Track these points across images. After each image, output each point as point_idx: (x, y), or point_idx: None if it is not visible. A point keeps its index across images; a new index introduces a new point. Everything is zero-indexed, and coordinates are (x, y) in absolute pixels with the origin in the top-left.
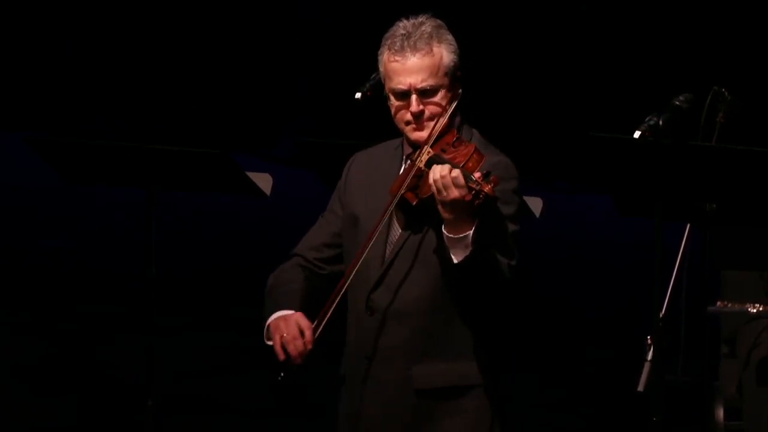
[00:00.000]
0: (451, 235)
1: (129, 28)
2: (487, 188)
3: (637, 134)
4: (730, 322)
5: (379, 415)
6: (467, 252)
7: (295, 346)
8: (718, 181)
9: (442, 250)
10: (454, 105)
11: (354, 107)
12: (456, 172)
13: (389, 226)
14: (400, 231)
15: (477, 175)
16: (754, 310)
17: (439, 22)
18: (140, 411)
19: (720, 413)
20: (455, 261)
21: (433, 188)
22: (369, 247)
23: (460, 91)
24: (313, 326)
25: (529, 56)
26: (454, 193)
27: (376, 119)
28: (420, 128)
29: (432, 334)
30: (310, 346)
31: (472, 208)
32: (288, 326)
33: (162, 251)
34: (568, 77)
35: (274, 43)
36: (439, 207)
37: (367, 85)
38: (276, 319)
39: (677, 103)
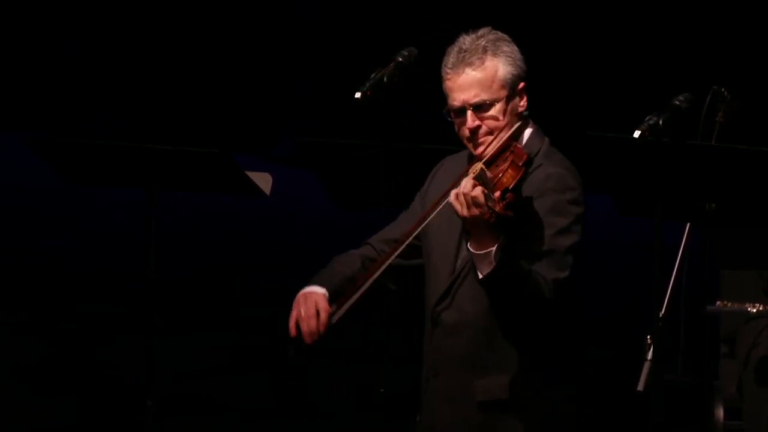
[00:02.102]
0: (475, 251)
1: (129, 28)
2: (498, 207)
3: (636, 134)
4: (729, 321)
5: (445, 426)
6: (491, 268)
7: (308, 326)
8: (717, 180)
9: None
10: (512, 120)
11: (354, 107)
12: (476, 191)
13: (460, 239)
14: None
15: (497, 193)
16: (754, 310)
17: (499, 35)
18: (140, 411)
19: (719, 413)
20: (480, 276)
21: (455, 205)
22: (440, 259)
23: (525, 102)
24: (331, 311)
25: (528, 55)
26: (473, 210)
27: (376, 119)
28: (478, 144)
29: (491, 348)
30: (322, 329)
31: (490, 225)
32: (307, 304)
33: (162, 251)
34: (568, 77)
35: (274, 43)
36: (462, 223)
37: (367, 85)
38: (302, 293)
39: (677, 102)
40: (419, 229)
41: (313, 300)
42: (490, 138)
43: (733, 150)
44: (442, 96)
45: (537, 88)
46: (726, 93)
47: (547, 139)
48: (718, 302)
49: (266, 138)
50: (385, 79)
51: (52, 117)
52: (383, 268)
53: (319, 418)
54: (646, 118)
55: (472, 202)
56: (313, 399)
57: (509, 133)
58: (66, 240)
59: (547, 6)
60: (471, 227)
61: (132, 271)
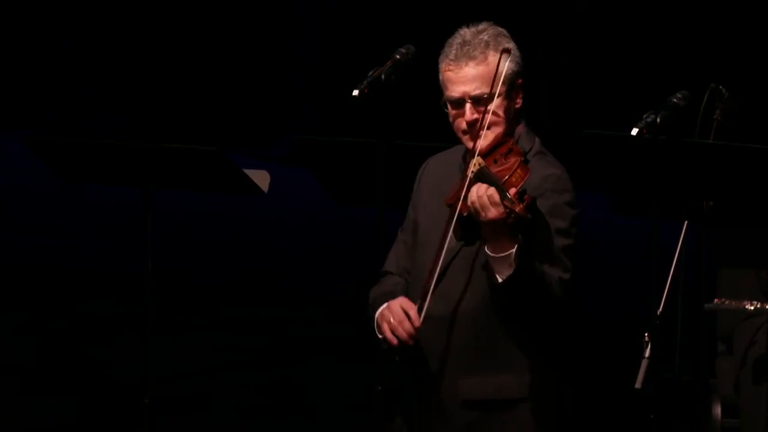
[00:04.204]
0: (494, 254)
1: (126, 26)
2: (518, 208)
3: (634, 132)
4: (727, 319)
5: (428, 423)
6: (510, 271)
7: (404, 329)
8: (715, 178)
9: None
10: (506, 114)
11: (352, 105)
12: (491, 191)
13: (444, 235)
14: (455, 240)
15: (512, 191)
16: (752, 308)
17: (499, 29)
18: (137, 409)
19: (717, 411)
20: (499, 280)
21: (471, 209)
22: (424, 254)
23: (521, 99)
24: (417, 306)
25: (526, 54)
26: (491, 212)
27: (374, 117)
28: (474, 137)
29: (481, 346)
30: (417, 324)
31: (509, 226)
32: (393, 312)
33: (159, 250)
34: (566, 75)
35: (274, 42)
36: (480, 225)
37: (365, 83)
38: (381, 311)
39: (675, 100)
40: (450, 235)
41: (396, 306)
42: (487, 132)
43: (731, 148)
44: (439, 93)
45: (536, 87)
46: (724, 91)
47: (537, 139)
48: (715, 300)
49: (264, 137)
50: (382, 77)
51: (50, 116)
52: (440, 263)
53: (319, 418)
54: (644, 116)
55: (488, 203)
56: (313, 399)
57: (505, 129)
58: (63, 239)
59: (546, 5)
60: (490, 231)
61: (129, 271)
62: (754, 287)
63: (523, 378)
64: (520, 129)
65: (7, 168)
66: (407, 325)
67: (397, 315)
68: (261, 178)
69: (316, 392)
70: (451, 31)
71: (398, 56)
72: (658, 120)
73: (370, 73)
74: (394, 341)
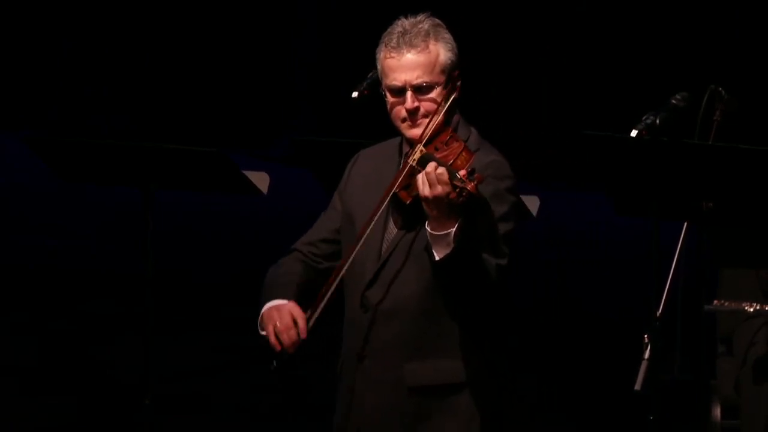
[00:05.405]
0: (434, 232)
1: (126, 26)
2: (469, 186)
3: (633, 133)
4: (727, 320)
5: (374, 413)
6: (448, 250)
7: (289, 336)
8: (715, 179)
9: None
10: (448, 103)
11: (351, 106)
12: (441, 169)
13: (386, 223)
14: (396, 229)
15: (462, 172)
16: (751, 309)
17: (437, 21)
18: (138, 410)
19: (717, 412)
20: (436, 258)
21: (418, 183)
22: (363, 244)
23: (457, 89)
24: (306, 316)
25: (526, 55)
26: (438, 189)
27: (373, 117)
28: (415, 125)
29: (425, 332)
30: (304, 336)
31: (456, 205)
32: (281, 316)
33: (159, 250)
34: (566, 76)
35: (274, 42)
36: (423, 203)
37: (365, 84)
38: (269, 308)
39: (674, 101)
40: (371, 226)
41: (286, 310)
42: (426, 121)
43: (731, 149)
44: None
45: (536, 87)
46: (723, 92)
47: (474, 129)
48: (715, 301)
49: (264, 137)
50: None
51: (50, 116)
52: (346, 267)
53: (319, 419)
54: (644, 117)
55: (437, 181)
56: (313, 399)
57: (443, 118)
58: (63, 239)
59: (546, 5)
60: (433, 208)
61: (129, 271)
62: (754, 288)
63: (468, 362)
64: (456, 119)
65: (7, 168)
66: (293, 332)
67: (284, 320)
68: (260, 180)
69: (316, 392)
70: (452, 32)
71: None
72: (658, 121)
73: (370, 74)
74: (277, 346)
